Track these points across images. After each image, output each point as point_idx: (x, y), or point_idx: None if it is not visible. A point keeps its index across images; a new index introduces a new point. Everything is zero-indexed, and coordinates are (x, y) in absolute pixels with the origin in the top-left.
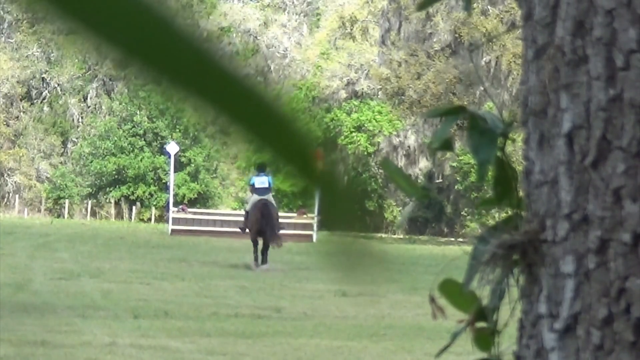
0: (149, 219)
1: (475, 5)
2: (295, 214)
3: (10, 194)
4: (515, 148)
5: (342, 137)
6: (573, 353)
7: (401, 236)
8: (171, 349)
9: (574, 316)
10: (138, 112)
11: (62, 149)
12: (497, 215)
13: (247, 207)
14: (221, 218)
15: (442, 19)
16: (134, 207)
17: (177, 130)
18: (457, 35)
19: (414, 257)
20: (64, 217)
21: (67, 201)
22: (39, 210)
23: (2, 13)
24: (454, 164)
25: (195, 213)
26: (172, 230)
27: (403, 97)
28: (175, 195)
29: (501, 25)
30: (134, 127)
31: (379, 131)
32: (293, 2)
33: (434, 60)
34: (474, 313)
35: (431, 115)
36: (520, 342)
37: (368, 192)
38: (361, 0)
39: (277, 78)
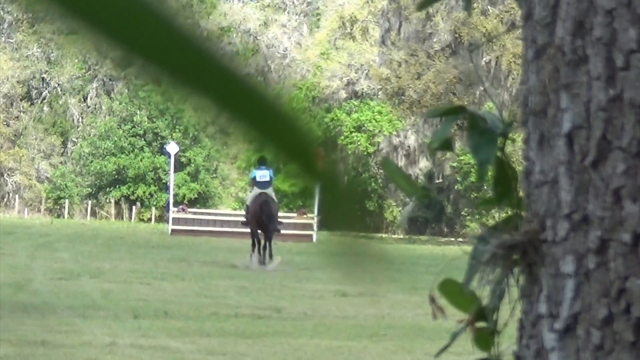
0: (149, 219)
1: (475, 5)
2: (295, 214)
3: (10, 194)
4: (515, 148)
5: (342, 137)
6: (573, 353)
7: (401, 236)
8: (171, 349)
9: (574, 316)
10: (138, 112)
11: (62, 149)
12: (497, 215)
13: (248, 200)
14: (221, 218)
15: (442, 19)
16: (134, 207)
17: (177, 130)
18: (457, 35)
19: (414, 257)
20: (64, 217)
21: (67, 201)
22: (39, 210)
23: (2, 13)
24: (454, 164)
25: (195, 213)
26: (172, 230)
27: (403, 97)
28: (175, 195)
29: (501, 25)
30: (134, 127)
31: (379, 131)
32: (293, 2)
33: (434, 60)
34: (474, 313)
35: (431, 115)
36: (520, 342)
37: (368, 192)
38: (361, 0)
39: (277, 78)
